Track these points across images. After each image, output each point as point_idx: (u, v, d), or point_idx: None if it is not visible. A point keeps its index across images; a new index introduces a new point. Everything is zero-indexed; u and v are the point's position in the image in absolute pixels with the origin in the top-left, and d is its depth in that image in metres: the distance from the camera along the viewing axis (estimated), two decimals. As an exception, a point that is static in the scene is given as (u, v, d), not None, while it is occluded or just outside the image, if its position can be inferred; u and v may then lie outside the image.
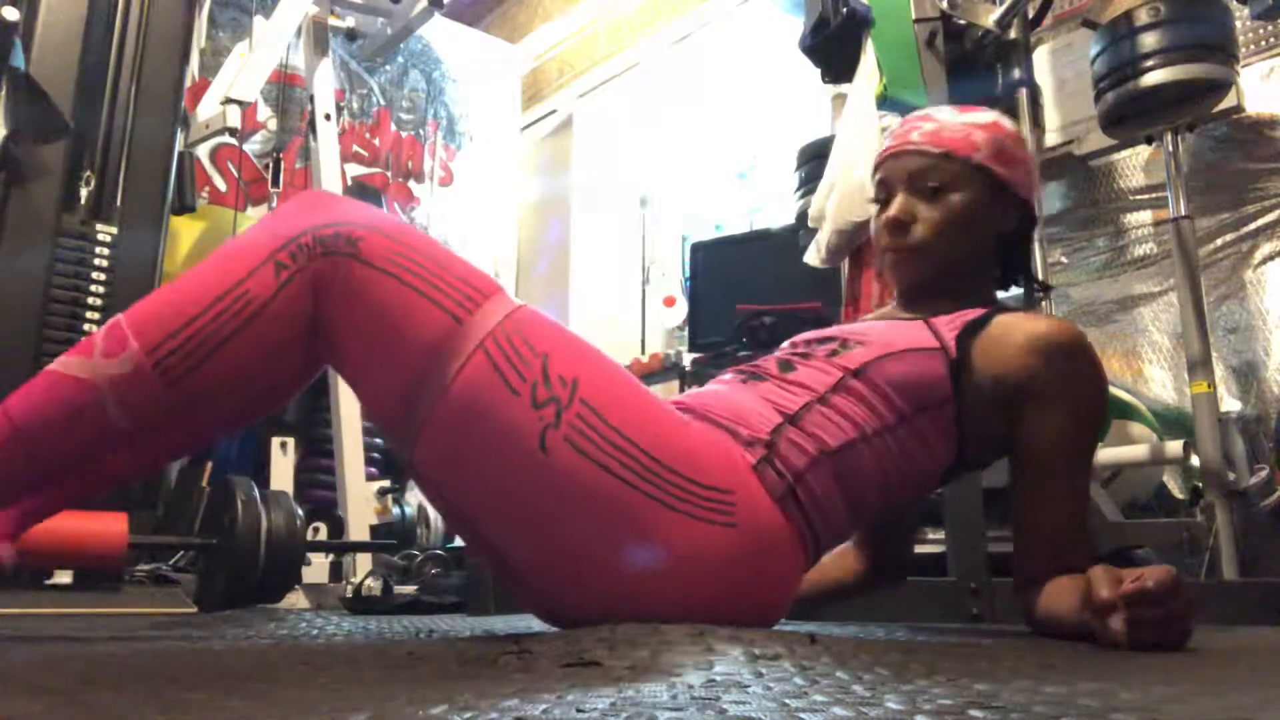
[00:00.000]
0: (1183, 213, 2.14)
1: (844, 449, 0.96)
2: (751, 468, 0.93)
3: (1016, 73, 1.98)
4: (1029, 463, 1.01)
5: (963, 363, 0.99)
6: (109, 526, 1.86)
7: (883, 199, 1.13)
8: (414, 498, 3.27)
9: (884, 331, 1.03)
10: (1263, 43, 2.64)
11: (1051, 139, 2.63)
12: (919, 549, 2.24)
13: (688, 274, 3.67)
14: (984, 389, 0.99)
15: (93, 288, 2.03)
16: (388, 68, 4.50)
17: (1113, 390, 2.52)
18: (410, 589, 2.28)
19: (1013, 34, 1.96)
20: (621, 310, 4.44)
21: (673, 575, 0.88)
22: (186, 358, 0.87)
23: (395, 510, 3.10)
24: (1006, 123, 1.13)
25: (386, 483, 3.31)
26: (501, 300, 0.90)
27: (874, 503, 1.01)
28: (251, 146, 3.84)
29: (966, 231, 1.08)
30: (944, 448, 1.01)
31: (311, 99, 2.99)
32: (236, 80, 2.65)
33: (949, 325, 1.03)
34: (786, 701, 0.49)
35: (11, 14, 1.86)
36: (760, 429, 0.95)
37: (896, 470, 0.99)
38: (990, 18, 1.94)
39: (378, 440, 3.29)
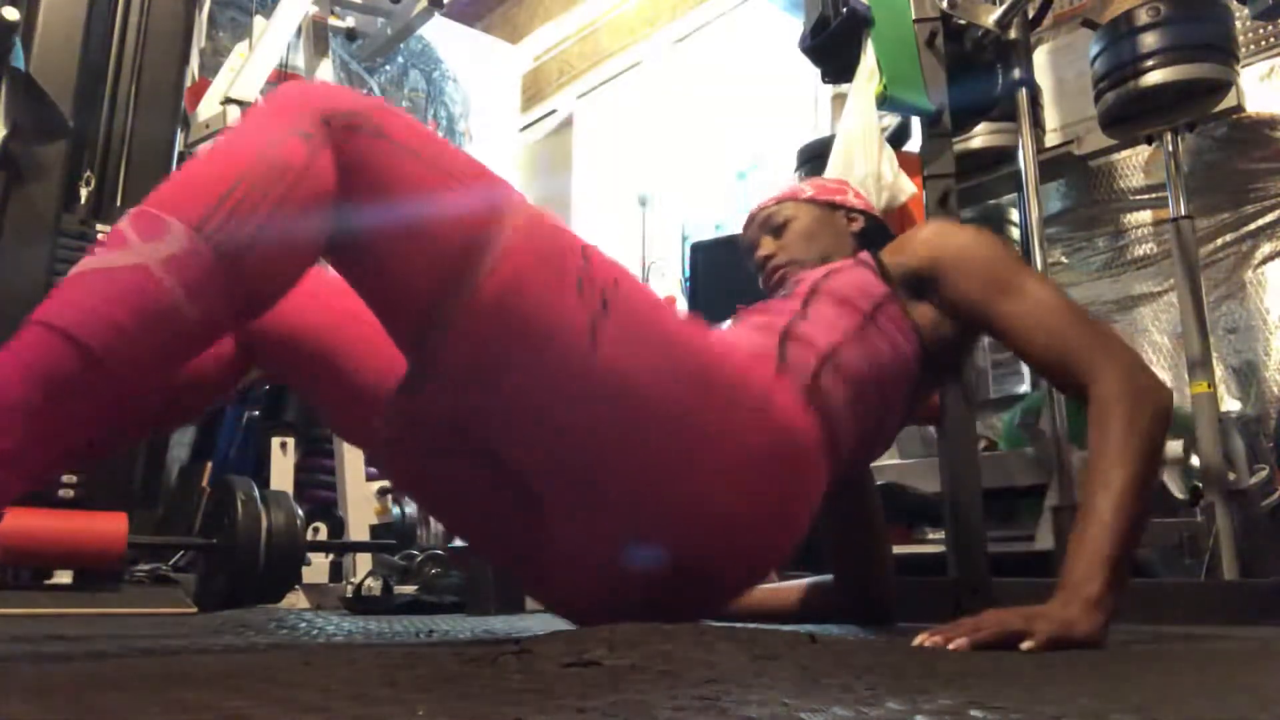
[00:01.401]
0: (1183, 213, 2.14)
1: (835, 349, 1.05)
2: (775, 371, 1.00)
3: (1016, 73, 1.98)
4: (992, 318, 1.08)
5: (882, 269, 1.14)
6: (109, 526, 1.86)
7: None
8: (414, 498, 3.27)
9: (813, 270, 1.21)
10: (1263, 43, 2.64)
11: (1051, 139, 2.63)
12: (919, 549, 2.25)
13: (688, 274, 3.66)
14: (907, 283, 1.13)
15: (93, 288, 2.03)
16: (388, 68, 4.50)
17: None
18: (410, 589, 2.28)
19: (1013, 34, 1.96)
20: (621, 310, 4.44)
21: (714, 480, 0.90)
22: (239, 228, 0.74)
23: (395, 510, 3.10)
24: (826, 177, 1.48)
25: (387, 482, 3.31)
26: (519, 195, 0.87)
27: (874, 401, 1.09)
28: (251, 146, 3.84)
29: (814, 240, 1.34)
30: (908, 341, 1.12)
31: (311, 99, 2.99)
32: (236, 80, 2.65)
33: (859, 257, 1.20)
34: (786, 701, 0.49)
35: (11, 14, 1.86)
36: (768, 344, 1.03)
37: (880, 365, 1.09)
38: (990, 18, 1.93)
39: (378, 440, 3.28)
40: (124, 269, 0.72)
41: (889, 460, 2.40)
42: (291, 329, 1.02)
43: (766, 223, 1.39)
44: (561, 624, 1.07)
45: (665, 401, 0.87)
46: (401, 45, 4.20)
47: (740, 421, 0.91)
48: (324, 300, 0.98)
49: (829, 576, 1.40)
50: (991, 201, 2.89)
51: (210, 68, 3.27)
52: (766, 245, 1.37)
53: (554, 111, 5.13)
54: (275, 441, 2.90)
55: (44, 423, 0.70)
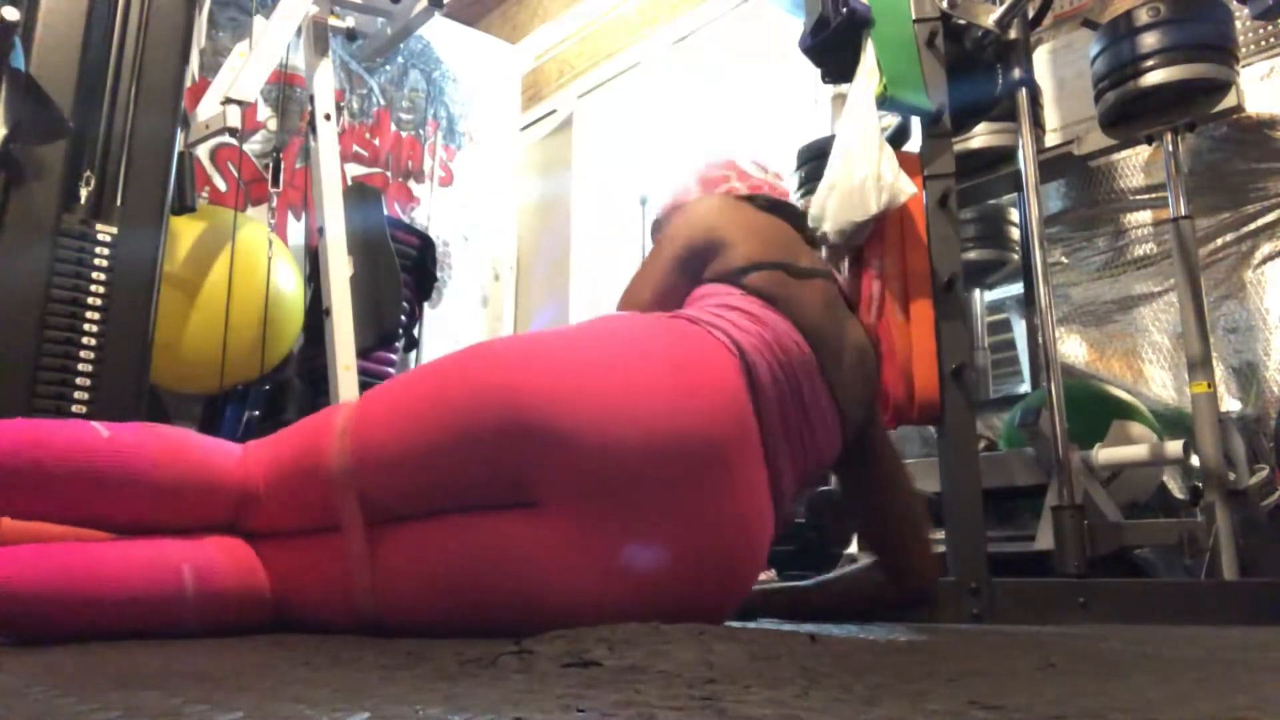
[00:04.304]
0: (1183, 213, 2.14)
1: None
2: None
3: (1016, 73, 1.98)
4: None
5: None
6: (109, 526, 1.85)
7: None
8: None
9: None
10: (1263, 43, 2.64)
11: (1051, 139, 2.63)
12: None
13: (688, 274, 3.66)
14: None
15: (93, 288, 2.03)
16: (388, 68, 4.50)
17: (1113, 390, 2.52)
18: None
19: (1013, 34, 1.96)
20: (621, 310, 4.43)
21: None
22: None
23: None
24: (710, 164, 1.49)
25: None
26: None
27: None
28: (251, 146, 3.83)
29: None
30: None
31: (311, 99, 2.98)
32: (236, 80, 2.65)
33: None
34: (786, 701, 0.49)
35: (11, 14, 1.86)
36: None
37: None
38: (990, 18, 1.93)
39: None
40: None
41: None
42: None
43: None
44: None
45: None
46: (401, 45, 4.19)
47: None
48: None
49: (864, 564, 1.41)
50: (991, 201, 2.89)
51: (210, 68, 3.27)
52: None
53: (554, 111, 5.13)
54: (275, 442, 2.89)
55: None
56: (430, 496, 1.02)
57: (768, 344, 1.13)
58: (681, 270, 1.28)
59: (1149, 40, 2.10)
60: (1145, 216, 2.87)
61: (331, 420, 1.09)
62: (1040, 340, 1.99)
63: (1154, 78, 2.09)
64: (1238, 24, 2.27)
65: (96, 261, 2.04)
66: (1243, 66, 2.21)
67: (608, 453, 0.94)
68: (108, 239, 2.07)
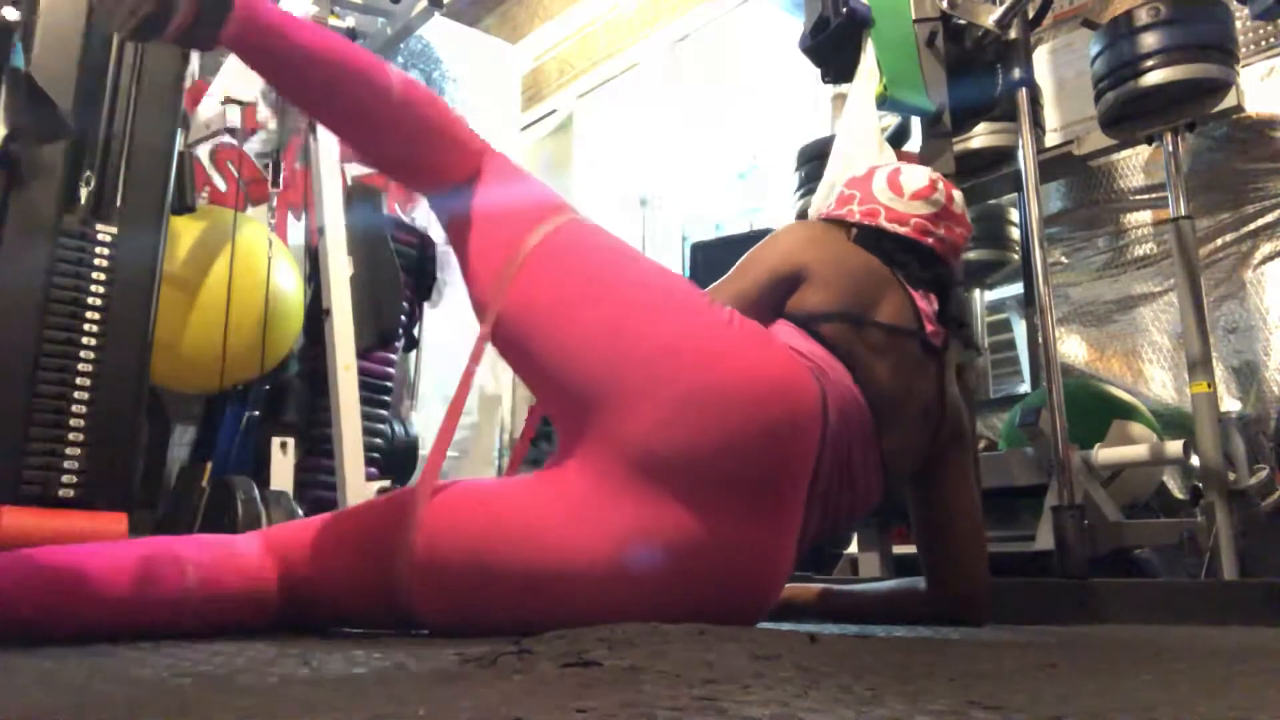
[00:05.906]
0: (1183, 213, 2.14)
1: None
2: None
3: (1016, 73, 1.98)
4: None
5: None
6: (109, 526, 1.86)
7: None
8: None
9: None
10: (1263, 43, 2.64)
11: (1051, 139, 2.63)
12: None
13: (688, 274, 3.67)
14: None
15: (93, 288, 2.03)
16: (388, 68, 4.50)
17: (1113, 390, 2.52)
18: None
19: (1013, 34, 1.96)
20: (621, 310, 4.44)
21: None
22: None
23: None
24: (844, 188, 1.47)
25: (387, 483, 3.30)
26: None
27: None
28: (251, 146, 3.83)
29: None
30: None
31: (311, 99, 2.99)
32: (236, 80, 2.65)
33: None
34: (786, 701, 0.49)
35: (11, 14, 1.86)
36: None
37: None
38: (990, 18, 1.93)
39: (377, 440, 3.29)
40: None
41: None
42: None
43: None
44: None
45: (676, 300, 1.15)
46: (401, 45, 4.20)
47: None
48: None
49: (920, 579, 1.40)
50: (991, 201, 2.89)
51: (210, 68, 3.27)
52: None
53: (554, 111, 5.13)
54: (275, 441, 2.89)
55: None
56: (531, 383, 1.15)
57: (831, 399, 1.12)
58: (768, 294, 1.25)
59: (1149, 40, 2.10)
60: (1145, 216, 2.87)
61: (511, 252, 1.18)
62: (1040, 340, 1.99)
63: (1154, 78, 2.09)
64: (1238, 24, 2.28)
65: (96, 261, 2.04)
66: (1243, 66, 2.22)
67: (679, 447, 0.98)
68: (108, 239, 2.07)
